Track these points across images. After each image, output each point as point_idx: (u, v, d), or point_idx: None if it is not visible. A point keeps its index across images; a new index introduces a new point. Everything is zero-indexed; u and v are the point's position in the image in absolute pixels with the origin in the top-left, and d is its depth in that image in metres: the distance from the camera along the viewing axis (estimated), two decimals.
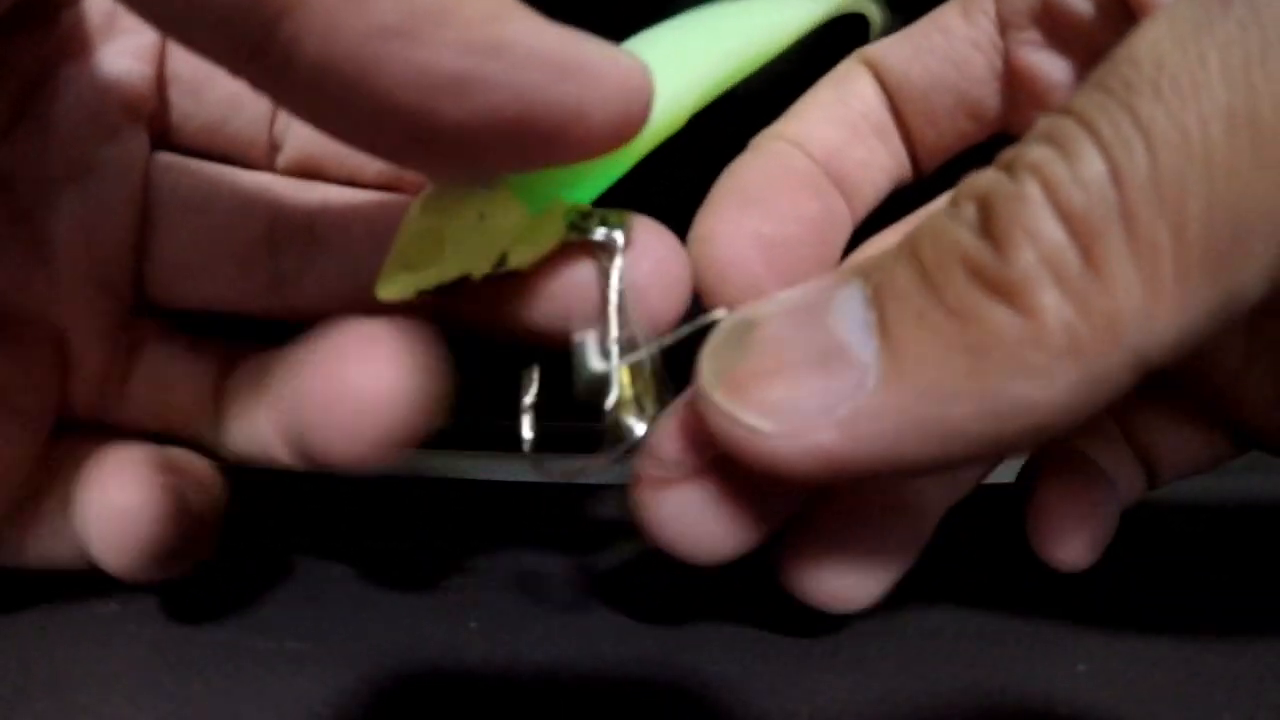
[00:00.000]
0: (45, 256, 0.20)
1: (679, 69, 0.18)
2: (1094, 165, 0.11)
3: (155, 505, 0.18)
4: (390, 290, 0.17)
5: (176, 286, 0.21)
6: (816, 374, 0.13)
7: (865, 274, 0.14)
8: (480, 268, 0.17)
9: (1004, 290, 0.12)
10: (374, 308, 0.20)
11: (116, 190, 0.20)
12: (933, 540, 0.27)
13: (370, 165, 0.21)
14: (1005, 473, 0.21)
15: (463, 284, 0.17)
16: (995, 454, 0.13)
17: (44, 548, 0.20)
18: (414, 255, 0.17)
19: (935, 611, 0.21)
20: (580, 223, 0.17)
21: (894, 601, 0.22)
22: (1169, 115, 0.11)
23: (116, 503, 0.18)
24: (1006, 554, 0.25)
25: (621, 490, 0.29)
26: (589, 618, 0.21)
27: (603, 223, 0.17)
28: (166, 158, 0.21)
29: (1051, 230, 0.11)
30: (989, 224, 0.12)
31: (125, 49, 0.20)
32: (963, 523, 0.28)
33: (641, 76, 0.14)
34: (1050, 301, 0.11)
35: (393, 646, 0.20)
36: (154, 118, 0.21)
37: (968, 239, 0.12)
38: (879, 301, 0.13)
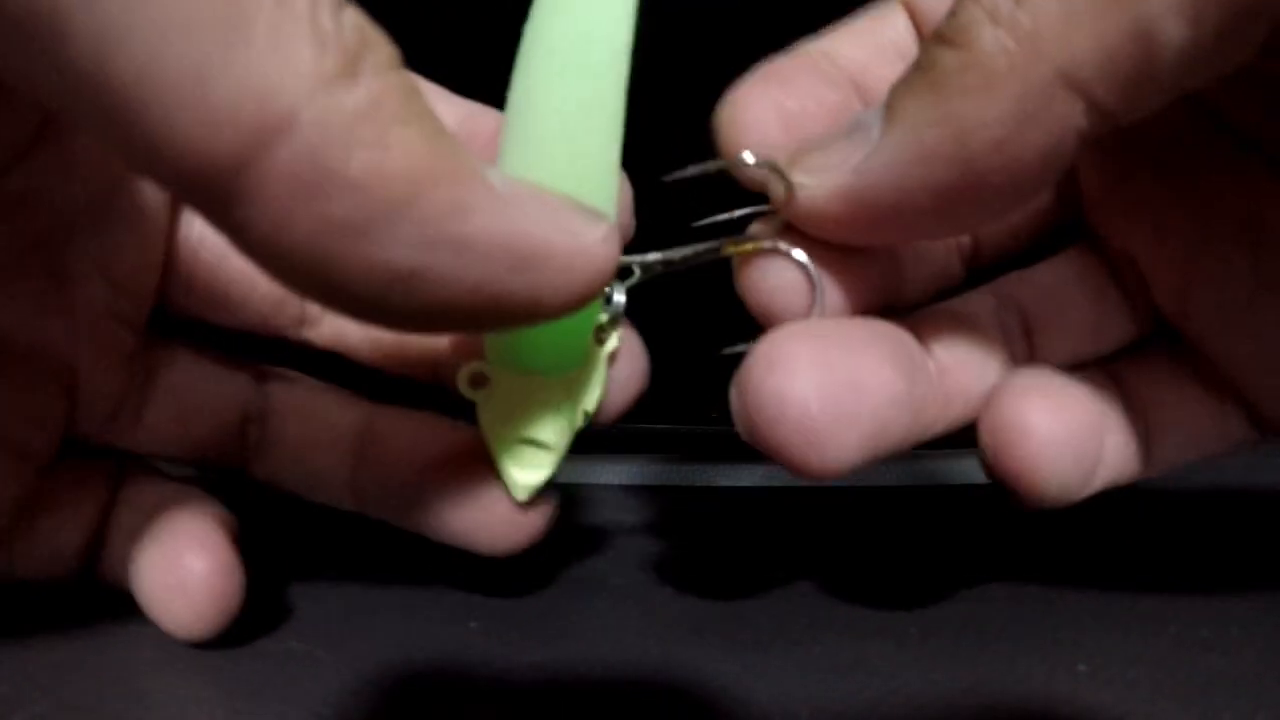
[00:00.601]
0: (60, 288, 0.19)
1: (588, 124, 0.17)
2: None
3: (232, 573, 0.19)
4: (532, 493, 0.19)
5: (206, 313, 0.21)
6: (844, 142, 0.16)
7: None
8: (575, 425, 0.19)
9: (952, 39, 0.14)
10: (383, 353, 0.21)
11: (141, 222, 0.20)
12: (933, 540, 0.27)
13: None
14: None
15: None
16: (976, 183, 0.15)
17: (37, 567, 0.20)
18: (522, 459, 0.19)
19: (935, 611, 0.21)
20: (602, 328, 0.19)
21: (894, 601, 0.22)
22: None
23: (194, 574, 0.19)
24: (1006, 554, 0.25)
25: (621, 491, 0.30)
26: (589, 618, 0.21)
27: (609, 300, 0.19)
28: None
29: None
30: (952, 9, 0.15)
31: None
32: (964, 522, 0.28)
33: (603, 248, 0.15)
34: (986, 34, 0.14)
35: (393, 646, 0.20)
36: None
37: (940, 25, 0.15)
38: (890, 89, 0.16)
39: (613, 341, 0.20)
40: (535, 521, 0.20)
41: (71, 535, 0.20)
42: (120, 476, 0.21)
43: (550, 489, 0.20)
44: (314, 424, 0.21)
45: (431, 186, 0.12)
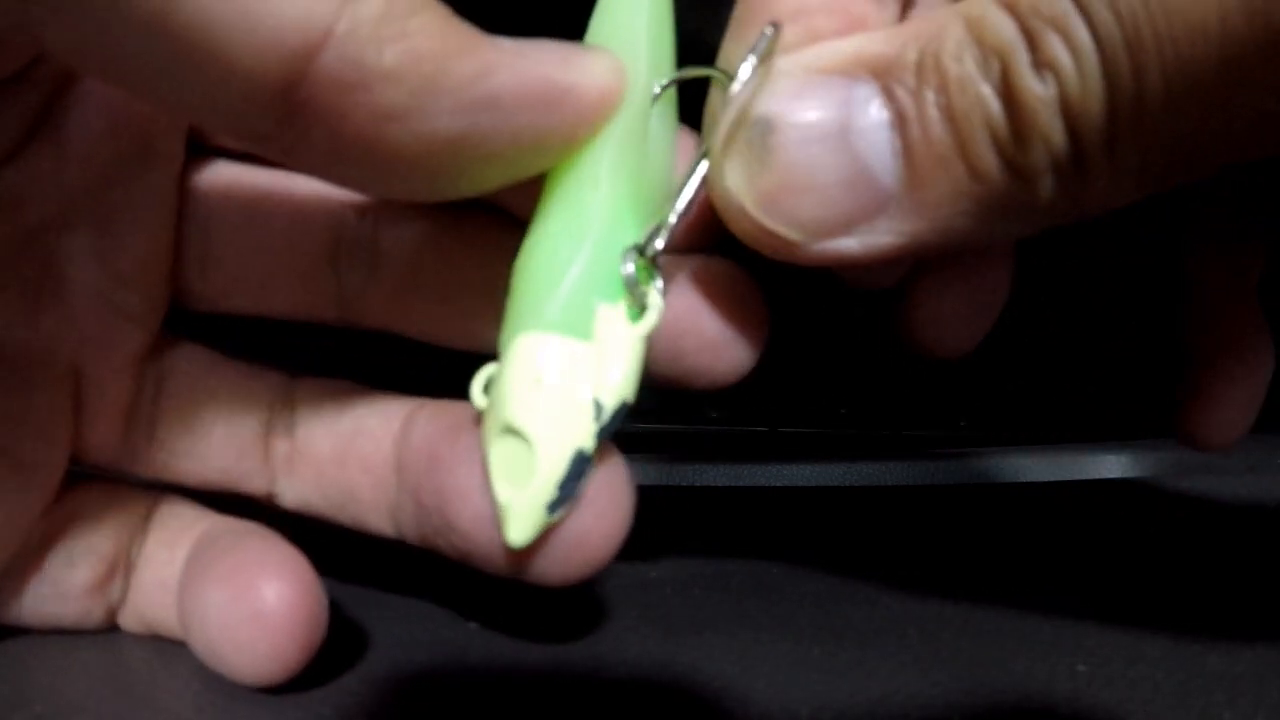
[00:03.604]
0: (56, 284, 0.18)
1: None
2: (1097, 92, 0.13)
3: (317, 601, 0.17)
4: (518, 532, 0.15)
5: (232, 298, 0.20)
6: (844, 195, 0.15)
7: (883, 83, 0.15)
8: (583, 433, 0.15)
9: (1019, 171, 0.14)
10: (437, 328, 0.20)
11: (144, 209, 0.19)
12: (932, 540, 0.27)
13: None
14: (1008, 472, 0.21)
15: (583, 465, 0.15)
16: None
17: (45, 607, 0.19)
18: (506, 465, 0.15)
19: (935, 611, 0.21)
20: (637, 297, 0.16)
21: (894, 601, 0.22)
22: (1162, 72, 0.13)
23: (274, 601, 0.17)
24: (1006, 554, 0.25)
25: None
26: (589, 618, 0.21)
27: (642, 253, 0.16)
28: (221, 164, 0.20)
29: (1060, 139, 0.14)
30: (1014, 111, 0.14)
31: None
32: (964, 522, 0.28)
33: (611, 75, 0.15)
34: (1047, 186, 0.14)
35: (392, 647, 0.20)
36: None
37: (994, 110, 0.14)
38: (903, 130, 0.15)
39: (650, 318, 0.16)
40: (599, 544, 0.16)
41: (85, 571, 0.19)
42: (147, 505, 0.20)
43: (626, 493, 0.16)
44: (347, 434, 0.19)
45: (455, 59, 0.14)
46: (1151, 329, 0.23)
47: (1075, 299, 0.33)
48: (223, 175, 0.20)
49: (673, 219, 0.16)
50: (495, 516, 0.16)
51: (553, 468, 0.15)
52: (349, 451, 0.19)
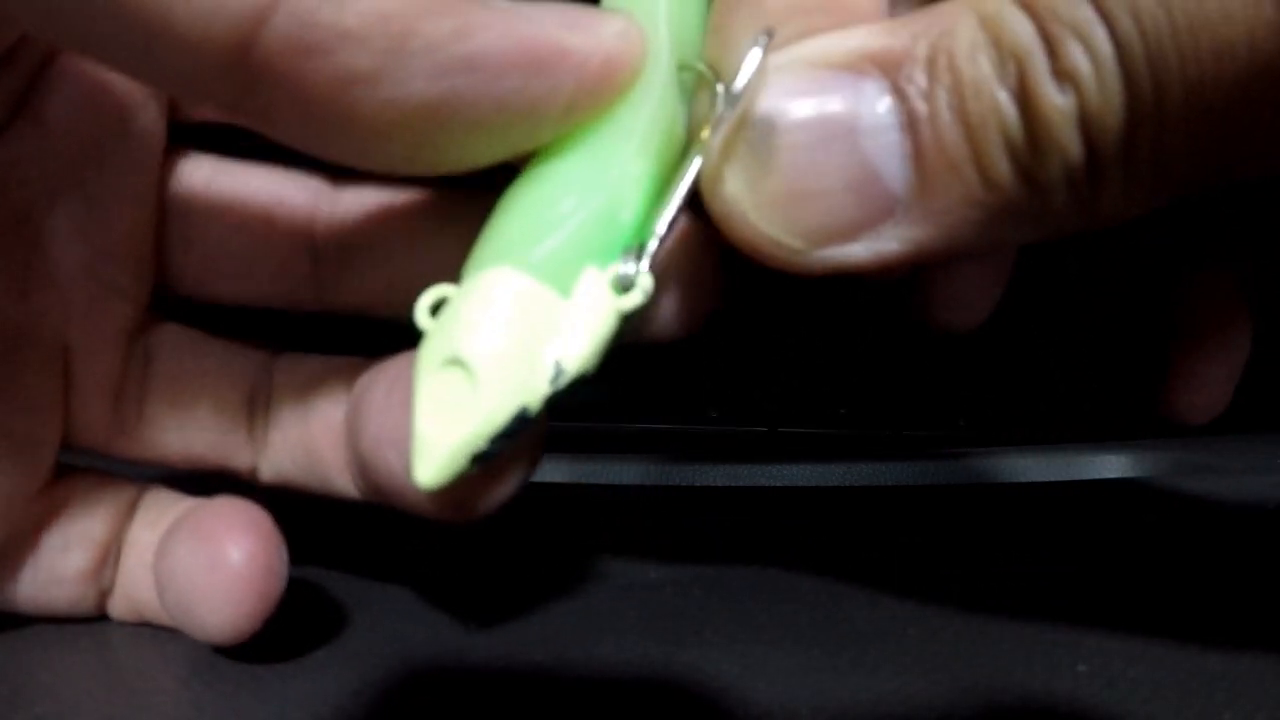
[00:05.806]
0: (42, 260, 0.18)
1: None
2: (1117, 106, 0.13)
3: (277, 556, 0.18)
4: (431, 472, 0.14)
5: (209, 284, 0.20)
6: (850, 200, 0.14)
7: (892, 79, 0.14)
8: (533, 391, 0.14)
9: (1033, 181, 0.13)
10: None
11: (127, 182, 0.19)
12: (932, 540, 0.27)
13: None
14: (1008, 472, 0.21)
15: (523, 426, 0.14)
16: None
17: (40, 592, 0.19)
18: (439, 398, 0.14)
19: (935, 611, 0.21)
20: (626, 274, 0.14)
21: (894, 601, 0.22)
22: (1184, 89, 0.12)
23: (236, 555, 0.17)
24: (1007, 554, 0.25)
25: (621, 491, 0.30)
26: (589, 618, 0.21)
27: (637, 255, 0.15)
28: (199, 155, 0.20)
29: (1076, 150, 0.13)
30: (1031, 120, 0.13)
31: None
32: (963, 522, 0.28)
33: (618, 40, 0.14)
34: (1061, 200, 0.14)
35: (393, 646, 0.20)
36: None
37: (1011, 117, 0.13)
38: (914, 132, 0.14)
39: (635, 296, 0.14)
40: (492, 487, 0.16)
41: (79, 556, 0.19)
42: (135, 493, 0.20)
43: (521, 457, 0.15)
44: (312, 396, 0.19)
45: (428, 17, 0.13)
46: (1149, 328, 0.23)
47: (1075, 299, 0.33)
48: (201, 159, 0.20)
49: (661, 229, 0.15)
50: (409, 447, 0.14)
51: (493, 418, 0.13)
52: (311, 412, 0.19)
